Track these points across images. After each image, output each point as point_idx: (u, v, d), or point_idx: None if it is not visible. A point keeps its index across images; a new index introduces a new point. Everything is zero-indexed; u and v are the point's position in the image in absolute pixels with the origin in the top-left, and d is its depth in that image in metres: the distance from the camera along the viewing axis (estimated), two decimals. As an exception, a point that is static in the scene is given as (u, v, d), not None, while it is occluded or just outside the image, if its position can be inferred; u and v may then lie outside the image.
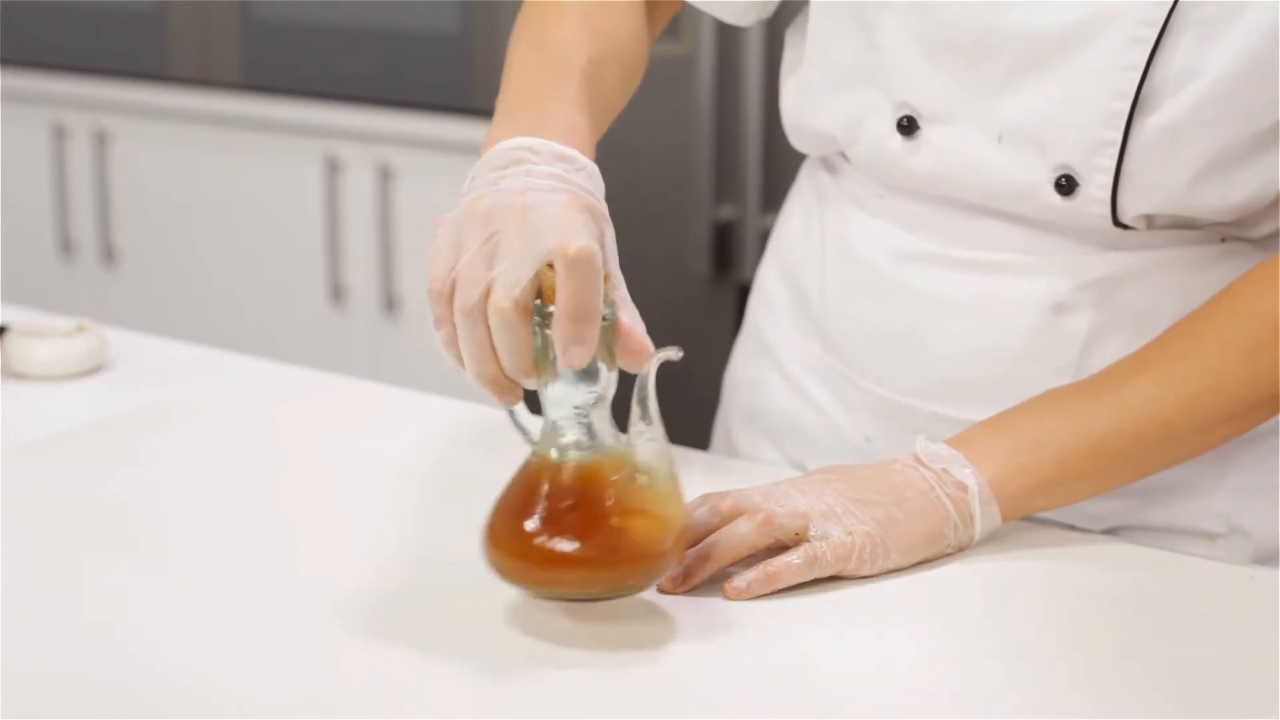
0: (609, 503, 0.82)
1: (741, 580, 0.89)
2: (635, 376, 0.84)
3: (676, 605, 0.88)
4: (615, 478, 0.83)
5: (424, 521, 0.99)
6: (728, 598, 0.88)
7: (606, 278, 0.83)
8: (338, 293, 2.73)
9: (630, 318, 0.83)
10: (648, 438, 0.83)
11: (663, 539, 0.83)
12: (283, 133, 2.74)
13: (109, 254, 3.00)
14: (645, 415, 0.83)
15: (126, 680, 0.79)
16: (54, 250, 3.07)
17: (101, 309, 2.95)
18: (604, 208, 0.87)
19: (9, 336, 1.27)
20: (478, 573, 0.85)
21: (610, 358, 0.83)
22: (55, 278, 3.08)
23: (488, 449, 1.10)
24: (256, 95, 2.77)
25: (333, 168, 2.69)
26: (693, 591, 0.89)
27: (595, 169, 0.90)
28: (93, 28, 2.96)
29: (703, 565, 0.89)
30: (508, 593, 0.88)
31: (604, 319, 0.81)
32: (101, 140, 2.96)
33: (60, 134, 3.01)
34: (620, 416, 0.84)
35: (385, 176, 2.63)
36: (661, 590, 0.89)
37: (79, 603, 0.87)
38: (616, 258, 0.86)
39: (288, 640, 0.83)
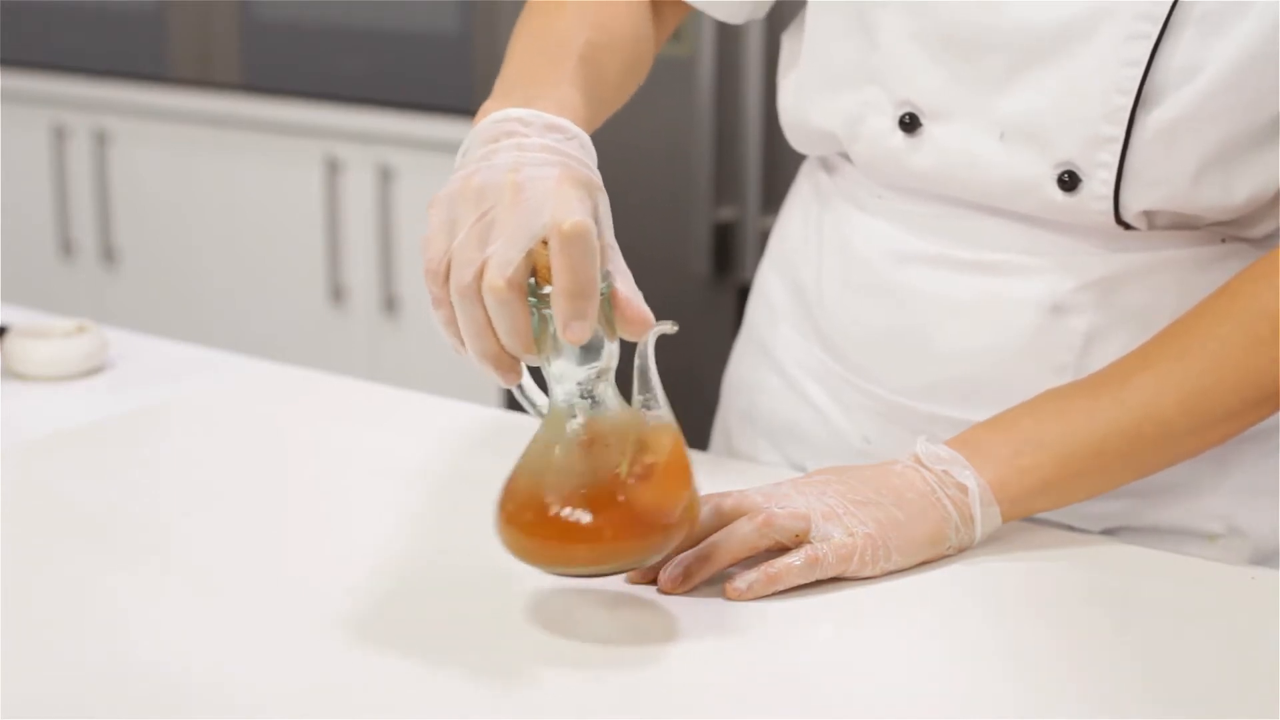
0: (617, 476, 0.81)
1: (743, 581, 0.89)
2: (636, 348, 0.83)
3: (677, 606, 0.88)
4: (622, 450, 0.82)
5: (424, 521, 0.99)
6: (729, 598, 0.88)
7: (601, 250, 0.82)
8: (337, 293, 2.73)
9: (627, 288, 0.82)
10: (651, 410, 0.83)
11: (672, 510, 0.82)
12: (282, 133, 2.74)
13: (109, 254, 3.00)
14: (647, 388, 0.83)
15: (127, 679, 0.79)
16: (54, 250, 3.07)
17: (101, 309, 2.95)
18: (597, 177, 0.86)
19: (9, 337, 1.27)
20: (478, 572, 0.85)
21: (610, 329, 0.82)
22: (55, 278, 3.08)
23: (487, 449, 1.11)
24: (256, 96, 2.77)
25: (333, 168, 2.69)
26: (693, 592, 0.89)
27: (587, 138, 0.89)
28: (93, 28, 2.97)
29: (703, 566, 0.89)
30: (507, 592, 0.88)
31: (600, 291, 0.80)
32: (101, 140, 2.96)
33: (60, 134, 3.01)
34: (624, 391, 0.84)
35: (385, 177, 2.63)
36: (662, 591, 0.89)
37: (79, 602, 0.87)
38: (611, 228, 0.85)
39: (288, 640, 0.83)
